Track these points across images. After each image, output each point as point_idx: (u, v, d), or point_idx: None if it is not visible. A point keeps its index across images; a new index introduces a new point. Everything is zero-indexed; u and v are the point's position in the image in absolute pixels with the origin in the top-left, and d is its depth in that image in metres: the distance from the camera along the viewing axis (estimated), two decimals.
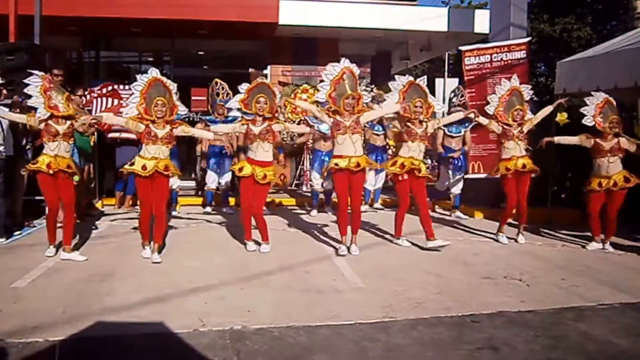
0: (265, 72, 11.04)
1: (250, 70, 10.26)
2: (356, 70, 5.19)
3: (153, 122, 4.71)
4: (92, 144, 7.24)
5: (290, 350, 2.93)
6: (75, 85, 7.21)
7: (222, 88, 7.24)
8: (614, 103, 5.51)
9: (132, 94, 4.78)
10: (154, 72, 4.82)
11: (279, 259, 4.85)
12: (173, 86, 4.89)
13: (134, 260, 4.78)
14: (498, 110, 5.67)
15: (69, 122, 4.74)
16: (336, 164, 5.04)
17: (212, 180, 7.52)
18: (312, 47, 10.92)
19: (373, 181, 7.77)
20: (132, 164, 4.71)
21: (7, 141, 5.45)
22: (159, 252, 4.79)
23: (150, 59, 12.53)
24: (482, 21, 9.85)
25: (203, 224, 6.55)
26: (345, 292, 3.97)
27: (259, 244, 5.24)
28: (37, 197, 6.29)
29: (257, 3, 9.58)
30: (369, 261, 4.90)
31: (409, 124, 5.37)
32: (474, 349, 2.98)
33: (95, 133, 7.10)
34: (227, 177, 7.47)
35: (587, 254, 5.41)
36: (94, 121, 5.35)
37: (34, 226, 6.07)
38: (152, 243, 4.80)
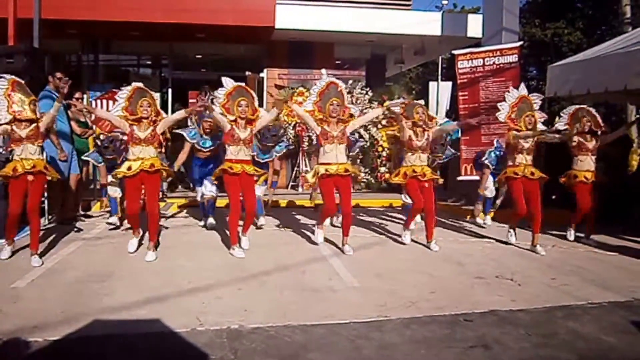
0: (262, 75, 11.14)
1: (247, 73, 10.34)
2: (341, 84, 5.49)
3: (139, 121, 4.84)
4: (90, 146, 7.27)
5: (286, 348, 2.97)
6: (73, 88, 7.24)
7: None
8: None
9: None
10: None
11: (276, 260, 4.90)
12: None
13: (132, 260, 4.83)
14: (509, 116, 5.59)
15: (32, 125, 4.67)
16: (326, 170, 5.24)
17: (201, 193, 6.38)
18: (308, 50, 11.02)
19: None
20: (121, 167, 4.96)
21: (5, 143, 5.49)
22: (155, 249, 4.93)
23: (149, 62, 12.58)
24: (474, 26, 9.98)
25: (201, 224, 6.58)
26: (341, 291, 4.02)
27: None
28: None
29: (253, 7, 9.67)
30: (364, 261, 4.96)
31: (411, 135, 5.53)
32: (466, 347, 3.03)
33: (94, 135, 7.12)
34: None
35: (577, 254, 5.48)
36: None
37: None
38: (150, 243, 4.96)
